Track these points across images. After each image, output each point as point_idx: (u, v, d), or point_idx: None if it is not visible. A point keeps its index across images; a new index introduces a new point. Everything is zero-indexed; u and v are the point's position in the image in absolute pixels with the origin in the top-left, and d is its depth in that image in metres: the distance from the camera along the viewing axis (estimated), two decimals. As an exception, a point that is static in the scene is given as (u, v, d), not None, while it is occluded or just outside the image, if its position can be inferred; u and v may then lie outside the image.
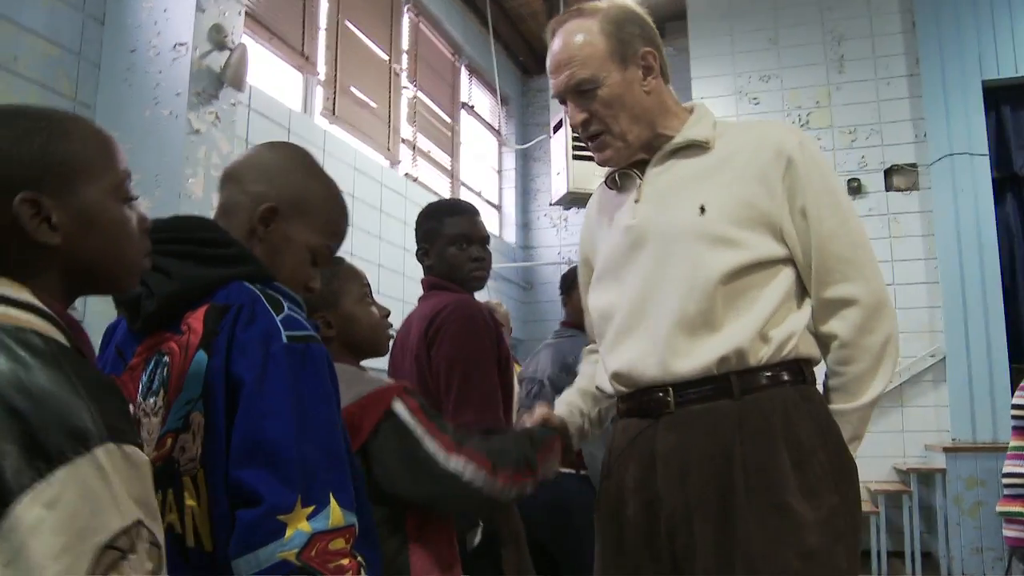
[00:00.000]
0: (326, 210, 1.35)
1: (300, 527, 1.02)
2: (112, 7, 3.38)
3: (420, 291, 2.36)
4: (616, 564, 1.57)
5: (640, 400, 1.55)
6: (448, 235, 2.29)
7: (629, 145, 1.58)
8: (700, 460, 1.45)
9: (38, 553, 0.74)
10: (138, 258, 1.03)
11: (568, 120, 5.97)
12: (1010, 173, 6.38)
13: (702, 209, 1.50)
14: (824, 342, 1.54)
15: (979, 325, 5.92)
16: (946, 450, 5.71)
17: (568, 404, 1.80)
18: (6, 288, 0.90)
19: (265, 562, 1.01)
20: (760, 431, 1.44)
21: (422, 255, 2.34)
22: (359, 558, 1.08)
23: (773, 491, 1.41)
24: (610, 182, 1.70)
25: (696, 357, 1.47)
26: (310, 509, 1.04)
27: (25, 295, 0.90)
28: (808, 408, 1.48)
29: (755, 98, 6.81)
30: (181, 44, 3.25)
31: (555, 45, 1.59)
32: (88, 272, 0.98)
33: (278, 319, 1.13)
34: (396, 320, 2.00)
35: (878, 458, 6.17)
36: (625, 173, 1.66)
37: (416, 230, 2.38)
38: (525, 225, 8.36)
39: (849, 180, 6.47)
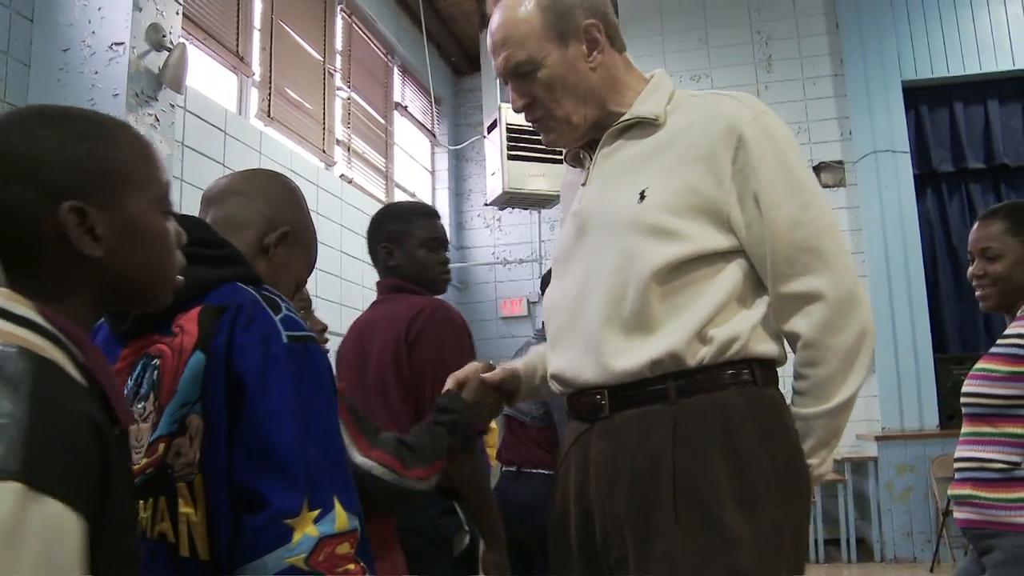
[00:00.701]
0: (312, 248, 1.44)
1: (307, 531, 1.00)
2: (41, 5, 3.25)
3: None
4: (563, 572, 1.49)
5: (579, 402, 1.45)
6: (420, 237, 2.28)
7: (575, 128, 1.47)
8: (630, 470, 1.34)
9: None
10: (174, 274, 1.00)
11: (502, 120, 5.84)
12: (929, 170, 6.63)
13: (642, 195, 1.37)
14: (791, 341, 1.40)
15: (905, 317, 6.13)
16: (877, 439, 5.89)
17: (526, 363, 1.66)
18: (9, 303, 0.83)
19: (273, 568, 0.99)
20: (694, 438, 1.31)
21: (385, 255, 2.30)
22: (362, 563, 1.06)
23: (703, 504, 1.28)
24: (571, 160, 1.59)
25: (628, 358, 1.35)
26: (316, 512, 1.02)
27: (25, 310, 0.83)
28: (753, 413, 1.34)
29: (686, 98, 6.91)
30: (118, 44, 3.15)
31: (492, 23, 1.47)
32: (123, 287, 0.94)
33: (277, 319, 1.11)
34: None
35: (811, 448, 6.33)
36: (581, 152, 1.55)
37: (376, 229, 2.34)
38: (459, 225, 8.32)
39: (778, 178, 6.62)
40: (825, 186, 6.61)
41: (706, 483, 1.29)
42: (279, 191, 1.40)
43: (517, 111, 1.51)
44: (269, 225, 1.33)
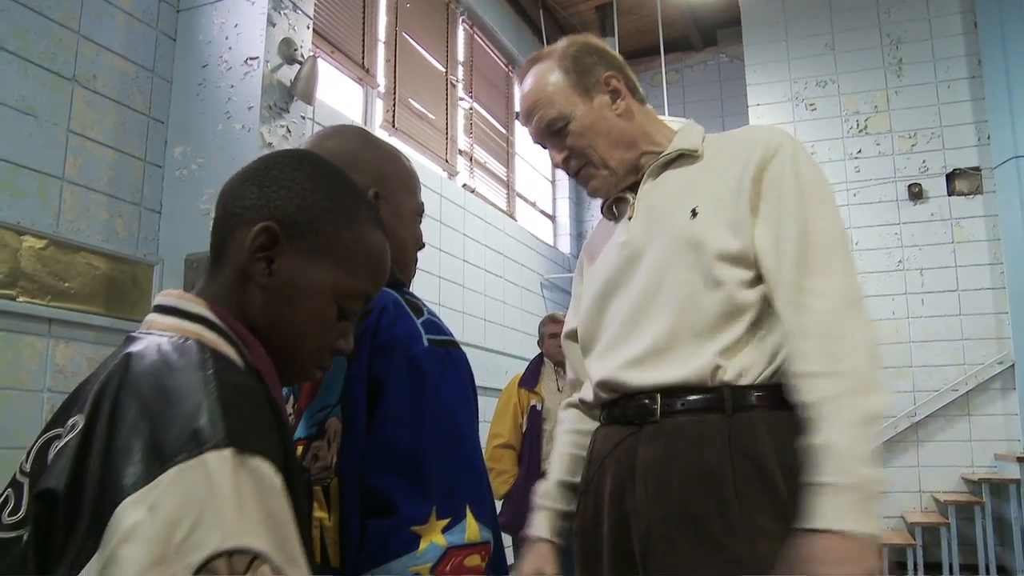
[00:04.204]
0: (415, 192, 1.40)
1: (435, 540, 0.97)
2: (183, 24, 3.44)
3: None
4: None
5: (624, 406, 1.46)
6: None
7: (614, 171, 1.54)
8: (684, 475, 1.35)
9: (127, 564, 0.66)
10: None
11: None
12: (1078, 175, 6.23)
13: (693, 212, 1.43)
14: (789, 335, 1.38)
15: (1049, 331, 5.77)
16: (1020, 460, 5.56)
17: (547, 519, 1.61)
18: (183, 302, 0.91)
19: (398, 575, 0.96)
20: (754, 452, 1.33)
21: None
22: None
23: (768, 515, 1.29)
24: (607, 212, 1.64)
25: (690, 364, 1.38)
26: (446, 521, 0.99)
27: (198, 307, 0.90)
28: (801, 436, 1.33)
29: (812, 104, 6.73)
30: (252, 59, 3.30)
31: (522, 93, 1.59)
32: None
33: (419, 322, 1.10)
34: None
35: (945, 467, 6.04)
36: (620, 198, 1.60)
37: None
38: (579, 235, 8.33)
39: (910, 185, 6.37)
40: (959, 194, 6.31)
41: (769, 496, 1.31)
42: (363, 153, 1.27)
43: (557, 167, 1.60)
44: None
